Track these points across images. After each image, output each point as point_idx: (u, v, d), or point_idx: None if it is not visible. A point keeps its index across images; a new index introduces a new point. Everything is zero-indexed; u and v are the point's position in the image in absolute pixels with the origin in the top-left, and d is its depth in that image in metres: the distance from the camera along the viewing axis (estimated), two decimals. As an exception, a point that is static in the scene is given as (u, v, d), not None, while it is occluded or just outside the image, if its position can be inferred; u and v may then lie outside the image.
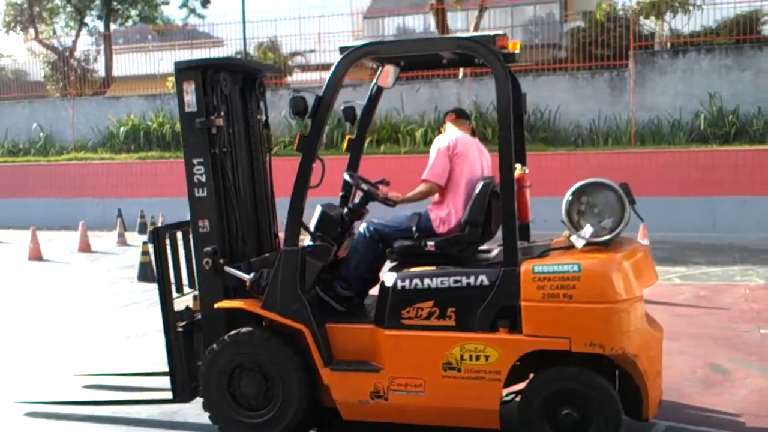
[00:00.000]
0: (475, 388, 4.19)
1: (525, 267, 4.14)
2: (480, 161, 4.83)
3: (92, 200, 18.26)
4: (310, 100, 4.64)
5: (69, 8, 25.38)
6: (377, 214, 5.13)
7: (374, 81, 4.98)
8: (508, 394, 4.50)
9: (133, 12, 25.42)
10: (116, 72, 25.04)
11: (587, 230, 4.22)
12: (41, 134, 21.16)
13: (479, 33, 4.56)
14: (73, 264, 12.43)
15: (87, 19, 25.75)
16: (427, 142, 17.26)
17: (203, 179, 4.81)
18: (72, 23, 25.72)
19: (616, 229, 4.22)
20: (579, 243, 4.26)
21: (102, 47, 25.42)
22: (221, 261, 4.77)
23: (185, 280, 5.26)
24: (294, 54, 22.95)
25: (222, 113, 4.83)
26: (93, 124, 20.46)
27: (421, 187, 4.75)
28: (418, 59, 4.93)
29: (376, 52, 4.66)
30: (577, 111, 16.99)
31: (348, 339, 4.54)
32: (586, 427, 4.09)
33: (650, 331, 4.33)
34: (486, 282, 4.21)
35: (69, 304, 9.20)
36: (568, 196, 4.31)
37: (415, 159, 16.77)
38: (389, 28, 26.99)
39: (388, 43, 4.89)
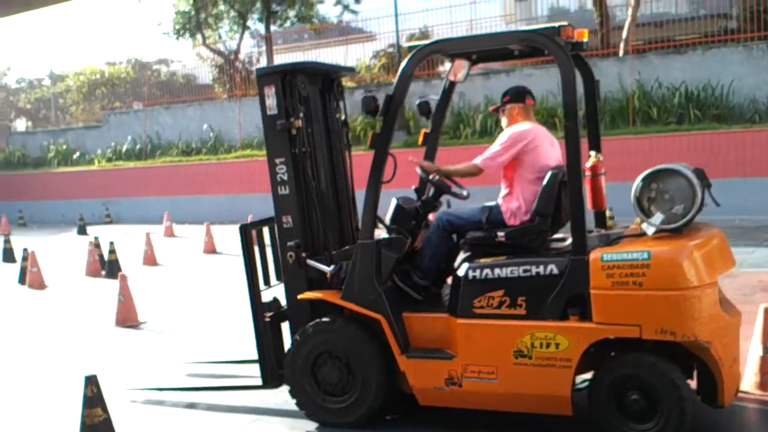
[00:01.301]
0: (546, 375, 4.28)
1: (594, 255, 4.20)
2: (551, 151, 4.82)
3: (260, 195, 19.12)
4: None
5: (233, 13, 26.71)
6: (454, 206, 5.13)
7: (446, 76, 5.13)
8: (581, 382, 4.55)
9: (291, 13, 26.34)
10: (277, 71, 26.06)
11: (657, 217, 4.25)
12: (211, 134, 22.48)
13: (548, 24, 4.47)
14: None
15: (249, 23, 26.99)
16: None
17: (285, 177, 5.11)
18: (235, 27, 27.07)
19: (686, 216, 4.19)
20: (650, 230, 4.28)
21: (263, 48, 26.56)
22: (303, 254, 5.05)
23: (273, 273, 5.52)
24: (445, 42, 22.85)
25: (301, 115, 5.07)
26: (258, 122, 21.16)
27: (469, 167, 4.81)
28: (489, 53, 5.04)
29: (442, 49, 4.84)
30: (752, 84, 15.68)
31: (424, 327, 4.70)
32: (653, 414, 4.13)
33: (725, 317, 4.26)
34: (555, 271, 4.29)
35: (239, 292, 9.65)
36: (637, 183, 4.30)
37: (574, 143, 16.25)
38: (542, 9, 26.24)
39: (452, 39, 4.98)
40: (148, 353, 7.06)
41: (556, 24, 4.38)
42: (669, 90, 16.34)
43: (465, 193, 5.10)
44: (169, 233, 17.46)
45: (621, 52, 18.08)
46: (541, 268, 4.33)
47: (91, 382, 4.32)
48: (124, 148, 24.59)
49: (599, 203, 4.80)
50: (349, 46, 24.61)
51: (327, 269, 4.99)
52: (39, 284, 11.47)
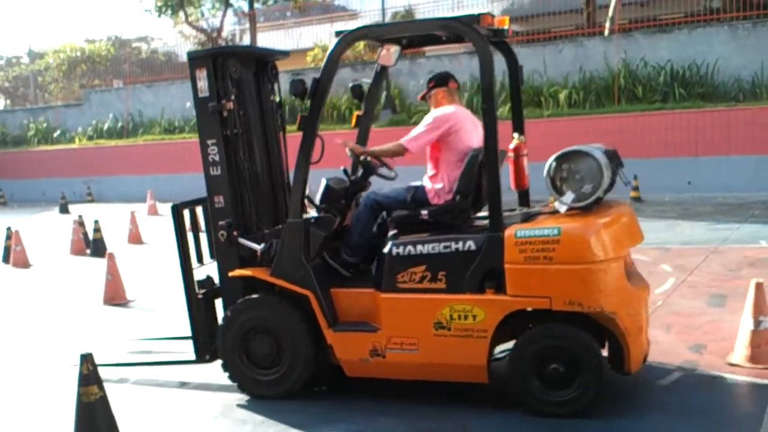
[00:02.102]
0: (464, 346, 4.53)
1: (509, 232, 4.43)
2: (474, 133, 4.95)
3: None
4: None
5: (215, -10, 26.39)
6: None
7: (377, 60, 5.29)
8: (500, 352, 4.84)
9: (274, -10, 26.06)
10: (260, 49, 25.83)
11: (569, 196, 4.50)
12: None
13: (468, 12, 4.72)
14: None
15: (231, 0, 26.67)
16: (572, 105, 16.66)
17: (217, 158, 5.24)
18: (218, 4, 26.72)
19: (594, 194, 4.44)
20: (561, 208, 4.55)
21: (246, 26, 26.27)
22: (235, 233, 5.19)
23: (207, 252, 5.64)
24: (431, 21, 22.77)
25: (233, 97, 5.20)
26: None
27: (394, 147, 5.00)
28: (418, 38, 5.24)
29: (368, 34, 5.08)
30: (737, 64, 15.78)
31: (351, 302, 4.91)
32: (571, 381, 4.38)
33: (631, 289, 4.55)
34: (473, 247, 4.52)
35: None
36: (550, 163, 4.52)
37: (559, 122, 16.26)
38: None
39: (377, 25, 5.30)
40: (138, 331, 7.01)
41: (476, 12, 4.57)
42: (654, 69, 16.38)
43: (393, 173, 5.30)
44: (153, 212, 17.34)
45: (607, 32, 18.09)
46: (460, 245, 4.55)
47: (87, 360, 4.27)
48: (106, 127, 24.31)
49: (522, 183, 4.95)
50: (333, 24, 24.39)
51: (258, 247, 5.15)
52: (23, 263, 11.36)
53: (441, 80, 5.16)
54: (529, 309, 4.46)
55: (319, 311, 4.86)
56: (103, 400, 4.33)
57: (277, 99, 5.72)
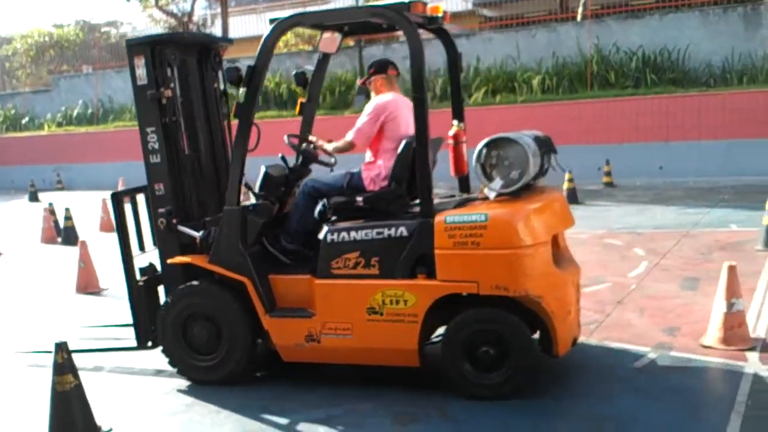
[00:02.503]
0: (395, 330, 4.60)
1: (439, 218, 4.50)
2: (411, 120, 4.91)
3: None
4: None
5: (186, -27, 26.01)
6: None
7: (317, 48, 5.40)
8: (436, 336, 4.93)
9: (246, -27, 25.76)
10: (231, 34, 25.58)
11: (497, 182, 4.58)
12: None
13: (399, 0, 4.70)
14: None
15: (202, -16, 26.34)
16: (545, 90, 16.73)
17: (156, 146, 5.26)
18: (188, -12, 26.35)
19: (521, 181, 4.51)
20: (491, 194, 4.63)
21: (218, 11, 25.97)
22: (174, 221, 5.23)
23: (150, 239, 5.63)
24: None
25: (171, 85, 5.23)
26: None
27: (345, 144, 5.11)
28: (357, 25, 5.23)
29: (301, 21, 5.07)
30: (708, 49, 15.95)
31: (288, 289, 4.96)
32: (501, 364, 4.49)
33: (558, 273, 4.64)
34: (405, 233, 4.59)
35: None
36: (479, 150, 4.59)
37: (533, 108, 16.34)
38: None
39: (309, 13, 5.17)
40: (111, 319, 6.94)
41: (407, 0, 4.57)
42: (626, 54, 16.51)
43: (332, 160, 5.39)
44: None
45: (579, 17, 18.18)
46: (392, 231, 4.62)
47: (62, 348, 4.23)
48: (75, 113, 23.96)
49: (461, 169, 5.00)
50: (306, 9, 24.20)
51: (197, 234, 5.18)
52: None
53: (380, 67, 5.24)
54: (464, 294, 4.52)
55: (256, 297, 4.91)
56: (78, 389, 4.31)
57: (222, 86, 5.68)
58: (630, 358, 5.17)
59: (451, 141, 4.89)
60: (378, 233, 4.65)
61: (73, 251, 8.58)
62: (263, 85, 5.01)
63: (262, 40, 4.88)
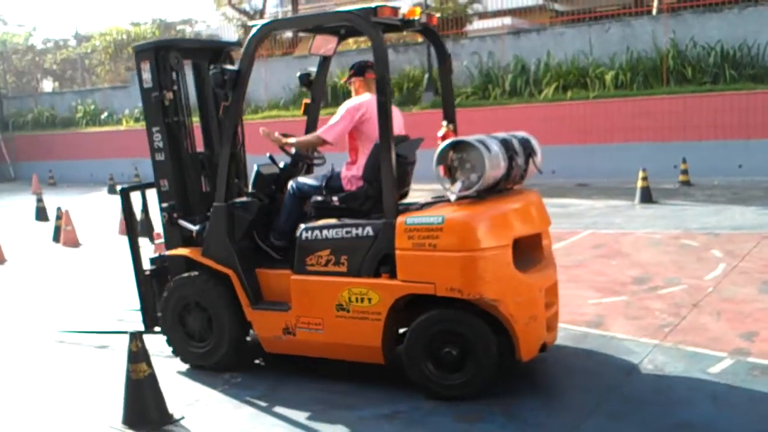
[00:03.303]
0: (361, 327, 4.72)
1: (400, 219, 4.58)
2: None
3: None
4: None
5: (258, -29, 26.41)
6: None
7: (309, 50, 5.64)
8: (402, 334, 4.90)
9: (318, -30, 25.97)
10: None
11: (457, 185, 4.56)
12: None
13: (366, 5, 4.78)
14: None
15: (274, -19, 26.68)
16: (619, 86, 16.34)
17: (161, 145, 5.62)
18: (261, -14, 26.76)
19: (478, 183, 4.48)
20: (452, 197, 4.63)
21: (289, 8, 26.27)
22: (175, 215, 5.59)
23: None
24: (472, 1, 22.52)
25: (175, 87, 5.57)
26: (284, 83, 21.26)
27: (313, 139, 5.24)
28: (351, 28, 5.30)
29: (278, 27, 5.26)
30: (792, 44, 15.26)
31: (273, 283, 5.17)
32: (463, 365, 4.54)
33: (521, 277, 4.58)
34: (371, 233, 4.70)
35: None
36: (438, 153, 4.59)
37: (605, 104, 15.98)
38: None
39: (286, 19, 5.55)
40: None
41: (373, 5, 4.68)
42: (704, 49, 15.96)
43: (321, 159, 5.58)
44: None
45: (655, 11, 17.68)
46: (360, 230, 4.75)
47: (136, 337, 4.36)
48: (151, 109, 24.57)
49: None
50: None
51: (194, 228, 5.51)
52: (73, 242, 11.59)
53: (359, 70, 5.33)
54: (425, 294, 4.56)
55: (241, 290, 5.16)
56: (151, 377, 4.43)
57: None
58: (706, 363, 5.00)
59: (440, 142, 4.84)
60: (347, 232, 4.79)
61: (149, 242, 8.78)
62: (247, 88, 5.27)
63: (244, 46, 5.13)
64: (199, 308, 5.36)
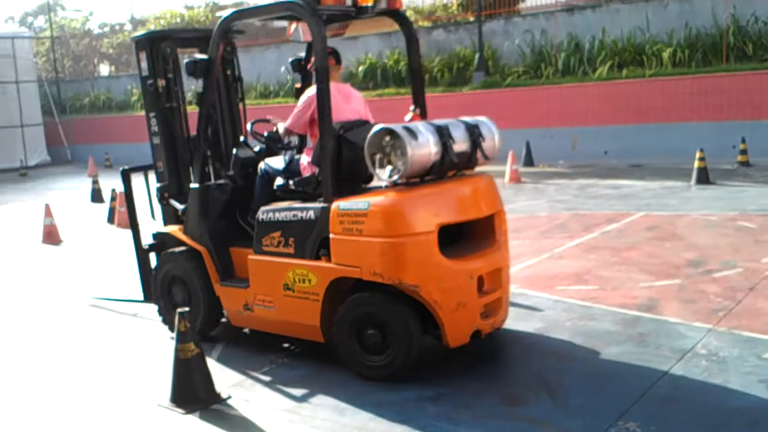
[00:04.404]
0: (302, 307, 4.93)
1: (335, 204, 4.72)
2: (347, 107, 5.23)
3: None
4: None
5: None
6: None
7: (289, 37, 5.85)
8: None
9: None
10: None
11: (386, 172, 4.59)
12: (288, 77, 22.48)
13: None
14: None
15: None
16: (677, 63, 15.88)
17: (156, 129, 6.03)
18: (311, -32, 26.66)
19: (404, 170, 4.50)
20: (381, 183, 4.72)
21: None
22: (166, 194, 6.02)
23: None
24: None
25: (170, 75, 5.94)
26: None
27: (282, 131, 5.45)
28: (339, 14, 5.30)
29: (239, 18, 5.39)
30: None
31: (241, 261, 5.41)
32: (386, 347, 4.65)
33: (447, 264, 4.60)
34: (313, 216, 4.87)
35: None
36: (368, 139, 4.61)
37: (662, 82, 15.56)
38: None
39: (245, 9, 5.46)
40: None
41: None
42: (766, 25, 15.38)
43: (293, 143, 5.75)
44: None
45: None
46: (304, 214, 4.93)
47: (183, 317, 4.41)
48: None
49: None
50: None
51: (180, 207, 5.86)
52: (127, 223, 11.76)
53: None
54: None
55: (211, 266, 5.51)
56: (199, 357, 4.48)
57: (237, 73, 6.38)
58: (761, 348, 4.84)
59: None
60: (294, 215, 4.98)
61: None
62: (217, 76, 5.63)
63: (212, 36, 5.39)
64: (181, 281, 5.74)
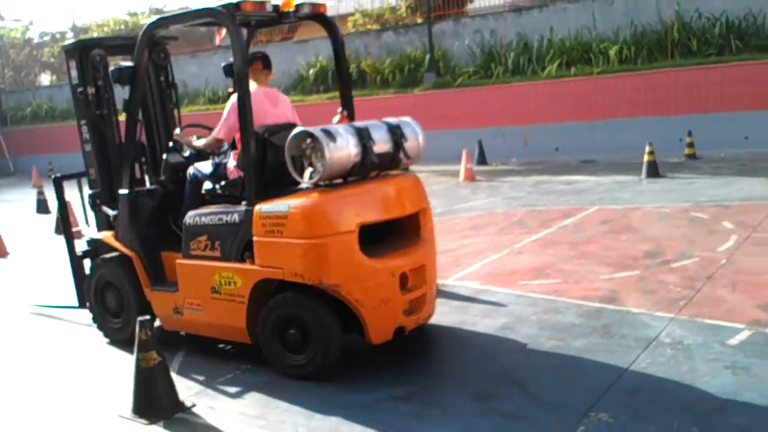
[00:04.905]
0: (229, 309, 4.97)
1: (257, 207, 4.75)
2: (273, 111, 5.22)
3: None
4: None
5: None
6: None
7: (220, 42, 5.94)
8: None
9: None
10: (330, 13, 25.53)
11: (307, 173, 4.62)
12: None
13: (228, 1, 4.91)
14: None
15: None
16: (623, 60, 16.15)
17: (88, 137, 6.06)
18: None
19: (322, 171, 4.53)
20: (303, 185, 4.72)
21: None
22: (98, 201, 6.03)
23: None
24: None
25: (100, 83, 5.93)
26: (284, 67, 21.02)
27: (212, 141, 5.32)
28: (263, 19, 5.39)
29: (163, 24, 5.43)
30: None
31: (171, 265, 5.39)
32: (307, 346, 4.71)
33: (367, 263, 4.64)
34: (237, 220, 4.89)
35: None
36: (288, 141, 4.64)
37: (609, 79, 15.81)
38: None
39: (169, 16, 5.48)
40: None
41: (235, 0, 4.82)
42: (709, 20, 15.77)
43: (224, 147, 5.56)
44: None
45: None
46: (228, 217, 4.95)
47: (144, 326, 4.28)
48: (151, 98, 24.41)
49: None
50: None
51: (112, 213, 5.88)
52: (76, 234, 11.46)
53: (254, 61, 5.40)
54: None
55: (141, 271, 5.53)
56: (162, 365, 4.35)
57: (170, 79, 6.48)
58: (724, 335, 4.90)
59: None
60: (219, 219, 5.01)
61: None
62: (144, 83, 5.74)
63: (137, 43, 5.42)
64: (114, 287, 5.75)
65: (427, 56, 18.63)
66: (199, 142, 5.47)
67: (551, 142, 16.21)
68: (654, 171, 12.07)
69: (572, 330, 5.23)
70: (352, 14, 23.62)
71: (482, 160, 15.93)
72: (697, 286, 5.99)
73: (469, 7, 21.04)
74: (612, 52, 16.22)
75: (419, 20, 20.32)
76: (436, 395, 4.40)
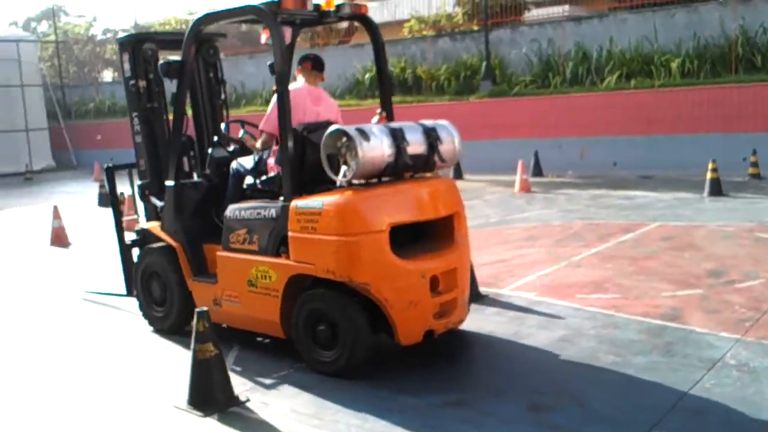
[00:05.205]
0: (264, 302, 5.03)
1: (294, 203, 4.80)
2: (314, 109, 5.30)
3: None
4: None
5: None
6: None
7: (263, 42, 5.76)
8: None
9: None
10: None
11: (342, 172, 4.66)
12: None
13: None
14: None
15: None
16: (685, 74, 15.81)
17: (138, 129, 6.22)
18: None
19: (356, 170, 4.58)
20: (338, 183, 4.75)
21: (344, -2, 26.16)
22: (146, 192, 6.19)
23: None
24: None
25: (151, 76, 6.11)
26: (340, 72, 21.17)
27: (264, 138, 5.39)
28: (308, 18, 5.40)
29: (207, 21, 5.53)
30: None
31: (212, 257, 5.50)
32: (335, 343, 4.74)
33: (397, 263, 4.66)
34: (274, 215, 4.97)
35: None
36: (323, 140, 4.70)
37: (671, 93, 15.50)
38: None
39: (214, 12, 5.47)
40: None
41: None
42: (775, 36, 15.34)
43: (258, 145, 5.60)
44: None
45: (724, -4, 17.07)
46: (266, 212, 5.03)
47: (202, 317, 4.30)
48: (209, 98, 24.80)
49: None
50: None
51: (159, 204, 6.01)
52: (134, 223, 11.68)
53: (299, 60, 5.57)
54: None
55: (184, 262, 5.66)
56: (218, 358, 4.37)
57: (220, 75, 6.62)
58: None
59: None
60: (257, 213, 5.10)
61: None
62: (191, 78, 5.85)
63: (185, 39, 5.53)
64: (159, 276, 5.89)
65: (484, 64, 18.54)
66: (258, 142, 5.52)
67: (609, 156, 15.94)
68: (717, 189, 11.75)
69: (632, 346, 5.10)
70: (408, 20, 23.67)
71: (538, 171, 15.71)
72: (764, 308, 5.78)
73: (527, 15, 20.89)
74: (674, 65, 15.90)
75: (475, 27, 20.23)
76: (489, 404, 4.32)
